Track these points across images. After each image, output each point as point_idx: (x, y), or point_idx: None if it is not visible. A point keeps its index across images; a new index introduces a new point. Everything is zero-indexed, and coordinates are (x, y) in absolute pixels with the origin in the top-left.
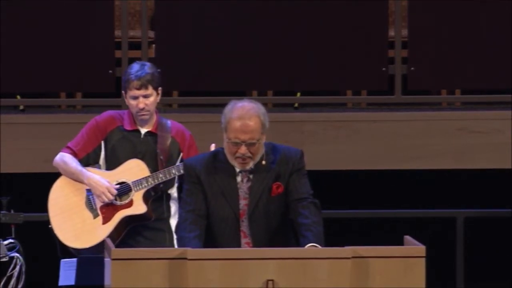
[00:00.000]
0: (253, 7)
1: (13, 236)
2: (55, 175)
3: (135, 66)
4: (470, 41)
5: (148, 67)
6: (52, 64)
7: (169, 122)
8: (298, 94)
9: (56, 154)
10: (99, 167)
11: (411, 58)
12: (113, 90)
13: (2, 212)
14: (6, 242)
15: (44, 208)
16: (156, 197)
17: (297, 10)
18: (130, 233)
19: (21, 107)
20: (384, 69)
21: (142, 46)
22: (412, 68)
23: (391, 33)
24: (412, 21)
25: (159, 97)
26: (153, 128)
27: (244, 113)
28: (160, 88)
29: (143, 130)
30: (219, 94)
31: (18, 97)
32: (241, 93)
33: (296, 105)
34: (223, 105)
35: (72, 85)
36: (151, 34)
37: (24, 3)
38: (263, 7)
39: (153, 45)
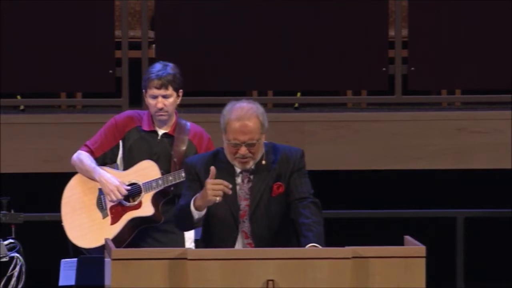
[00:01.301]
0: (253, 7)
1: (13, 236)
2: (55, 175)
3: (157, 66)
4: (470, 41)
5: (170, 68)
6: (52, 64)
7: (188, 124)
8: (298, 94)
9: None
10: (117, 167)
11: (411, 58)
12: (113, 90)
13: (2, 212)
14: (6, 242)
15: (44, 208)
16: (168, 199)
17: (297, 10)
18: (141, 234)
19: (21, 107)
20: (384, 69)
21: (142, 46)
22: (412, 68)
23: (391, 33)
24: (412, 21)
25: (179, 99)
26: (170, 130)
27: (243, 114)
28: (181, 90)
29: (160, 132)
30: (219, 94)
31: (18, 97)
32: (241, 93)
33: (296, 105)
34: (223, 105)
35: (72, 85)
36: (151, 34)
37: (24, 3)
38: (263, 7)
39: (153, 45)
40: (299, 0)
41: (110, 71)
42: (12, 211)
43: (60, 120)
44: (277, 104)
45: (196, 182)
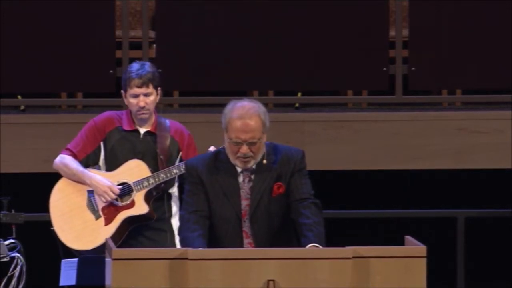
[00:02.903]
0: (253, 7)
1: (14, 236)
2: (55, 175)
3: (135, 65)
4: (471, 41)
5: (148, 66)
6: (52, 64)
7: (167, 121)
8: (299, 94)
9: (57, 154)
10: (99, 168)
11: (411, 58)
12: (113, 90)
13: (2, 212)
14: (7, 242)
15: (44, 208)
16: (157, 197)
17: (297, 10)
18: (132, 233)
19: (22, 107)
20: (384, 69)
21: (142, 46)
22: (413, 68)
23: (392, 33)
24: (413, 21)
25: (158, 97)
26: (152, 127)
27: (245, 113)
28: (159, 88)
29: (142, 130)
30: (219, 94)
31: (19, 97)
32: (241, 93)
33: (296, 105)
34: (223, 105)
35: (73, 85)
36: (152, 34)
37: (24, 3)
38: (263, 7)
39: (154, 45)
40: (300, 0)
41: (111, 71)
42: (13, 211)
43: (60, 120)
44: (277, 104)
45: (199, 185)
